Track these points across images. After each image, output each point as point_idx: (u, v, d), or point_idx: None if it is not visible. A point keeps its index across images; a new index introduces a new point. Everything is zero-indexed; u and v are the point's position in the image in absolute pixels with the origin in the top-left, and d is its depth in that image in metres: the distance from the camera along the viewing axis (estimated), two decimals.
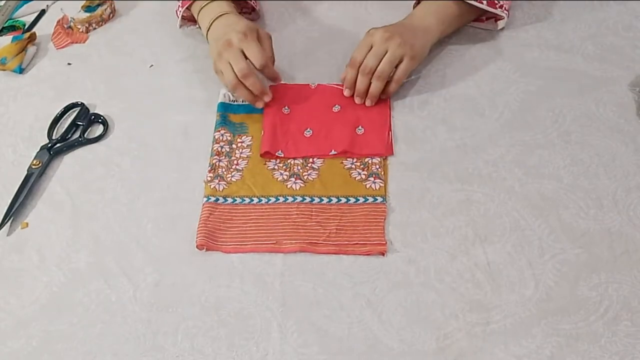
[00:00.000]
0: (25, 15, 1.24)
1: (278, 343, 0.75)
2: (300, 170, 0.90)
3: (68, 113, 1.04)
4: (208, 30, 0.98)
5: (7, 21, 1.22)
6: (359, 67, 0.93)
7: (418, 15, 0.97)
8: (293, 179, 0.89)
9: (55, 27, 1.19)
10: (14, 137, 1.02)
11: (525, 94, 0.95)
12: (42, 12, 1.24)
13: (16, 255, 0.87)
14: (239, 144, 0.95)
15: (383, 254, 0.81)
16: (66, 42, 1.16)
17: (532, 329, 0.73)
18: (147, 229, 0.87)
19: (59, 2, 1.25)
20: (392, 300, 0.77)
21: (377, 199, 0.85)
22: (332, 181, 0.88)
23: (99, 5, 1.18)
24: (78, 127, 1.01)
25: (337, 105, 0.96)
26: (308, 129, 0.93)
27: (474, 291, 0.76)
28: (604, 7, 1.06)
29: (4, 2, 1.24)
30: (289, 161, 0.91)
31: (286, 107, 0.96)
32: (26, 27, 1.21)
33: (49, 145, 0.98)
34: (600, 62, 0.98)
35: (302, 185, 0.89)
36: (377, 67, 0.91)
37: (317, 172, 0.90)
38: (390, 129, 0.92)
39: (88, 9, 1.18)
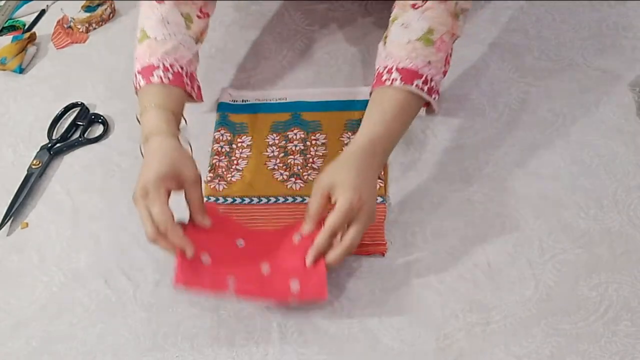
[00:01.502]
0: (25, 15, 1.24)
1: (278, 343, 0.75)
2: (301, 170, 0.90)
3: (68, 113, 1.04)
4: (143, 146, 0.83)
5: (7, 21, 1.22)
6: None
7: (374, 140, 0.79)
8: (293, 179, 0.89)
9: (55, 27, 1.19)
10: (14, 137, 1.02)
11: (525, 94, 0.95)
12: (42, 12, 1.24)
13: (16, 255, 0.87)
14: (239, 144, 0.95)
15: (383, 254, 0.81)
16: (66, 42, 1.16)
17: (532, 329, 0.73)
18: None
19: (59, 2, 1.25)
20: (392, 300, 0.77)
21: (377, 199, 0.85)
22: None
23: (99, 5, 1.18)
24: (78, 127, 1.01)
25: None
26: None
27: (474, 291, 0.76)
28: (604, 7, 1.06)
29: (4, 2, 1.24)
30: (289, 161, 0.91)
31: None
32: (26, 27, 1.21)
33: (49, 145, 0.98)
34: (600, 62, 0.98)
35: (302, 185, 0.89)
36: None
37: (317, 172, 0.90)
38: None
39: (88, 9, 1.18)
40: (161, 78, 0.84)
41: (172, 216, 0.75)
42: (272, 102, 1.00)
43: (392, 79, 0.81)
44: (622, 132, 0.89)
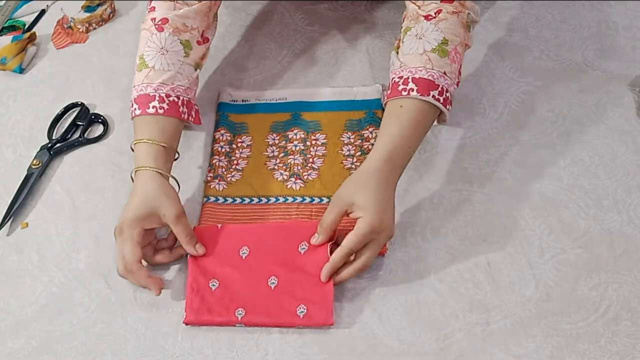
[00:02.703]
0: (25, 15, 1.24)
1: (278, 343, 0.75)
2: (301, 170, 0.90)
3: (68, 113, 1.04)
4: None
5: (7, 21, 1.22)
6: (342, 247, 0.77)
7: (392, 152, 0.79)
8: (293, 179, 0.89)
9: (56, 27, 1.19)
10: (14, 137, 1.02)
11: (525, 94, 0.95)
12: (42, 12, 1.24)
13: (16, 256, 0.87)
14: (239, 144, 0.94)
15: (383, 254, 0.81)
16: (66, 42, 1.16)
17: (532, 329, 0.73)
18: None
19: (59, 2, 1.25)
20: (392, 300, 0.77)
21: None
22: (332, 181, 0.88)
23: (99, 5, 1.18)
24: (78, 127, 1.01)
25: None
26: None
27: (474, 291, 0.76)
28: (604, 7, 1.06)
29: (4, 2, 1.24)
30: (289, 161, 0.91)
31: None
32: (26, 27, 1.21)
33: (49, 145, 0.98)
34: (600, 62, 0.98)
35: (302, 185, 0.89)
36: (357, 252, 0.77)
37: (317, 172, 0.90)
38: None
39: (88, 9, 1.18)
40: (156, 109, 0.86)
41: (140, 257, 0.79)
42: (272, 102, 0.99)
43: (409, 89, 0.81)
44: (622, 132, 0.89)
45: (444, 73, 0.82)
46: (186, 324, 0.78)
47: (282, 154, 0.93)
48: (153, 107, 0.86)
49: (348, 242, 0.76)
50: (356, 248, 0.76)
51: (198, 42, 0.93)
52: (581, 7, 1.06)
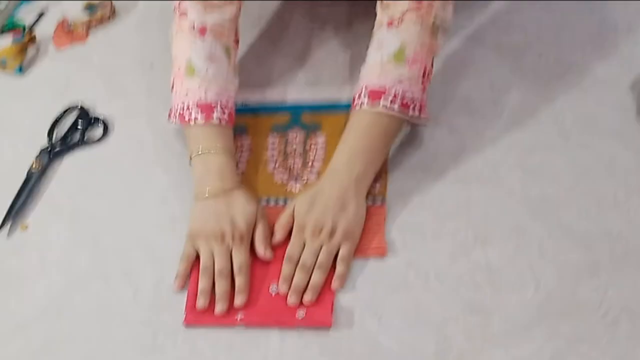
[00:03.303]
0: (25, 15, 1.24)
1: (278, 345, 0.75)
2: (300, 172, 0.90)
3: (68, 115, 1.04)
4: (199, 196, 0.86)
5: (7, 22, 1.22)
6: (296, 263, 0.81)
7: (343, 162, 0.84)
8: (293, 181, 0.89)
9: (56, 27, 1.19)
10: (14, 138, 1.02)
11: (525, 94, 0.95)
12: (42, 13, 1.24)
13: (16, 257, 0.88)
14: (239, 146, 0.94)
15: (383, 255, 0.81)
16: (66, 42, 1.16)
17: (532, 331, 0.73)
18: (147, 230, 0.87)
19: (59, 2, 1.25)
20: (391, 302, 0.77)
21: (377, 201, 0.85)
22: None
23: (99, 5, 1.18)
24: (78, 129, 1.01)
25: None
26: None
27: (474, 293, 0.76)
28: (604, 7, 1.06)
29: (4, 2, 1.24)
30: (288, 163, 0.91)
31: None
32: (26, 27, 1.21)
33: (49, 146, 0.98)
34: (600, 62, 0.97)
35: (302, 187, 0.89)
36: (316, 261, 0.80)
37: (317, 174, 0.90)
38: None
39: (88, 9, 1.18)
40: (220, 119, 0.88)
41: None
42: (272, 103, 0.99)
43: (361, 103, 0.84)
44: (622, 132, 0.89)
45: (400, 81, 0.83)
46: (186, 325, 0.78)
47: (282, 156, 0.93)
48: (217, 118, 0.88)
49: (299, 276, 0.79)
50: (304, 260, 0.79)
51: (233, 47, 0.95)
52: (581, 7, 1.06)
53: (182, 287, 0.81)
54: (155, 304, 0.80)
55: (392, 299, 0.77)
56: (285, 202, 0.87)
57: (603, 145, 0.88)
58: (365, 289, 0.78)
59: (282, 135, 0.95)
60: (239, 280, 0.79)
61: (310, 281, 0.78)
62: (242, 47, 1.08)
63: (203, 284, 0.80)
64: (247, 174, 0.91)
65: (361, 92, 0.85)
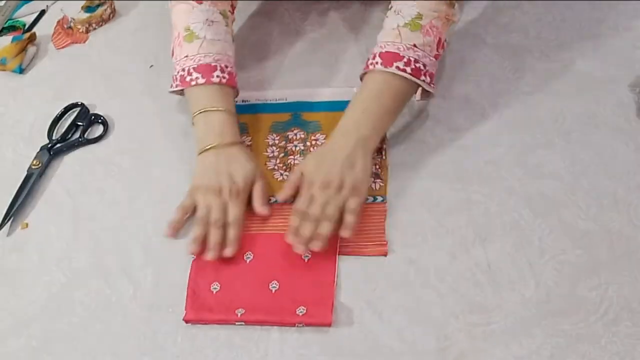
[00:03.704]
0: (25, 15, 1.24)
1: (278, 343, 0.75)
2: None
3: (68, 113, 1.04)
4: (201, 152, 0.88)
5: (7, 21, 1.22)
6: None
7: (352, 121, 0.85)
8: None
9: (56, 27, 1.19)
10: (14, 137, 1.02)
11: (525, 94, 0.95)
12: (42, 12, 1.24)
13: (16, 255, 0.88)
14: None
15: (384, 255, 0.81)
16: (66, 42, 1.17)
17: (532, 329, 0.73)
18: (147, 229, 0.87)
19: (59, 2, 1.25)
20: (392, 301, 0.77)
21: (377, 199, 0.85)
22: None
23: (99, 5, 1.18)
24: (78, 128, 1.01)
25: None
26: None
27: (474, 291, 0.76)
28: (604, 7, 1.06)
29: (4, 2, 1.24)
30: (289, 161, 0.91)
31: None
32: (26, 27, 1.21)
33: (49, 145, 0.98)
34: (600, 62, 0.98)
35: None
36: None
37: None
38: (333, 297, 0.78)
39: (88, 9, 1.18)
40: (220, 79, 0.90)
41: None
42: (272, 102, 0.99)
43: (374, 63, 0.86)
44: (622, 132, 0.89)
45: (414, 45, 0.85)
46: (186, 322, 0.78)
47: (282, 154, 0.93)
48: (217, 77, 0.90)
49: (306, 226, 0.80)
50: (310, 213, 0.81)
51: (230, 12, 0.98)
52: (581, 7, 1.06)
53: (173, 235, 0.85)
54: (155, 302, 0.80)
55: (393, 298, 0.77)
56: (285, 200, 0.87)
57: (603, 144, 0.88)
58: (365, 288, 0.78)
59: (282, 134, 0.95)
60: (231, 233, 0.83)
61: (318, 230, 0.80)
62: (243, 47, 1.08)
63: (197, 232, 0.83)
64: None
65: (376, 54, 0.87)
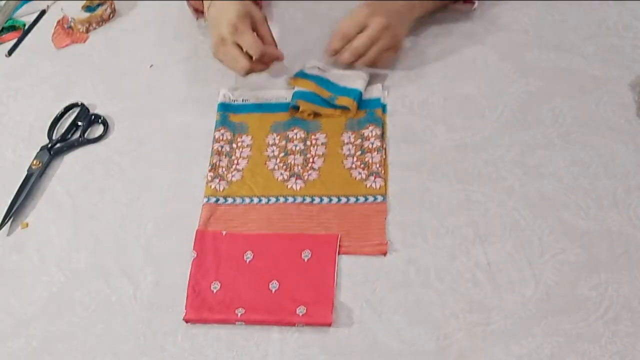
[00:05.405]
0: (25, 15, 1.24)
1: (278, 343, 0.75)
2: (301, 170, 0.90)
3: (68, 113, 1.04)
4: (208, 13, 0.99)
5: (7, 21, 1.22)
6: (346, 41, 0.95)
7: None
8: (293, 179, 0.89)
9: (56, 27, 1.19)
10: (14, 137, 1.02)
11: (525, 94, 0.95)
12: (42, 12, 1.24)
13: (16, 255, 0.88)
14: (239, 144, 0.94)
15: (384, 254, 0.81)
16: (66, 42, 1.16)
17: (532, 328, 0.73)
18: (147, 229, 0.87)
19: (59, 2, 1.25)
20: (392, 300, 0.77)
21: (377, 198, 0.85)
22: (333, 181, 0.88)
23: (99, 5, 1.18)
24: (78, 128, 1.01)
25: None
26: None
27: (474, 291, 0.76)
28: (604, 7, 1.06)
29: (4, 2, 1.24)
30: (289, 161, 0.91)
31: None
32: (26, 27, 1.21)
33: (49, 145, 0.98)
34: (600, 62, 0.98)
35: (302, 185, 0.89)
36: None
37: (317, 172, 0.90)
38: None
39: (88, 9, 1.18)
40: None
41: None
42: (272, 102, 0.99)
43: None
44: (622, 132, 0.89)
45: None
46: (186, 322, 0.78)
47: (282, 154, 0.93)
48: None
49: (361, 40, 0.93)
50: (368, 42, 0.93)
51: None
52: (581, 7, 1.06)
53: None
54: (155, 302, 0.80)
55: (393, 297, 0.77)
56: (285, 200, 0.87)
57: (603, 144, 0.88)
58: (365, 287, 0.78)
59: (282, 134, 0.95)
60: (252, 51, 0.91)
61: (367, 53, 0.94)
62: None
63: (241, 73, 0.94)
64: (247, 172, 0.91)
65: None
